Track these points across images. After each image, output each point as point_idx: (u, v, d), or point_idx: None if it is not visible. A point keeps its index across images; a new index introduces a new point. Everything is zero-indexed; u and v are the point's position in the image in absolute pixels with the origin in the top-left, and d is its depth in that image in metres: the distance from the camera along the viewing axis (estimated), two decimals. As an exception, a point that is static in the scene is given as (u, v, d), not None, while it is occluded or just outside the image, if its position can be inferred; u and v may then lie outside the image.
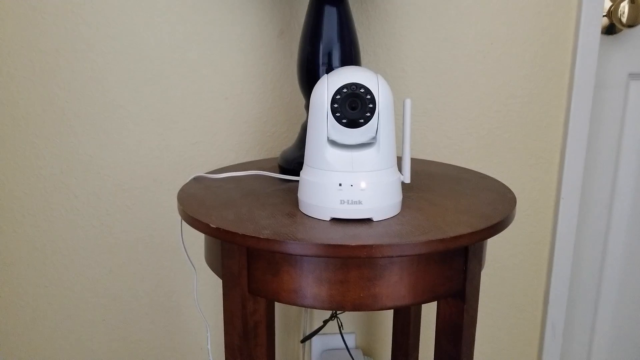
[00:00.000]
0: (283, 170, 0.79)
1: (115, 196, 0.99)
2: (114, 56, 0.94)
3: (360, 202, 0.59)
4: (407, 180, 0.64)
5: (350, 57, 0.77)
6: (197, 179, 0.77)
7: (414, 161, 0.91)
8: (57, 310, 1.03)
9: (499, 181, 0.78)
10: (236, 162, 1.01)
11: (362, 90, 0.58)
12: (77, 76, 0.94)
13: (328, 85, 0.59)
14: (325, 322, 1.03)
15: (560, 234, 1.13)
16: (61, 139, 0.96)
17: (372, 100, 0.59)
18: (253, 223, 0.59)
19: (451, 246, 0.56)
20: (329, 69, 0.76)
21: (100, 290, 1.03)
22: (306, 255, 0.57)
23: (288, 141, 1.02)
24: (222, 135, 1.00)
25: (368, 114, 0.59)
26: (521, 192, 1.11)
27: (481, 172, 1.08)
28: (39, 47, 0.91)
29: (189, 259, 0.77)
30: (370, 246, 0.53)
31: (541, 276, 1.16)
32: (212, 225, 0.58)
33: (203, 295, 1.06)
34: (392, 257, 0.57)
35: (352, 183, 0.59)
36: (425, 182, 0.77)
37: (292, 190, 0.72)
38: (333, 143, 0.61)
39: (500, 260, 1.14)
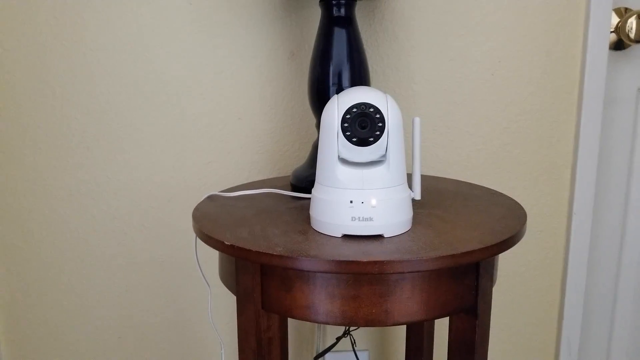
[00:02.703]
0: (295, 188, 0.80)
1: (131, 216, 1.01)
2: (130, 79, 0.96)
3: (371, 219, 0.60)
4: (418, 197, 0.65)
5: (360, 77, 0.78)
6: (211, 198, 0.79)
7: (424, 178, 0.92)
8: (74, 328, 1.05)
9: (510, 197, 0.78)
10: (249, 181, 1.02)
11: (371, 110, 0.60)
12: (94, 99, 0.97)
13: (338, 105, 0.61)
14: (338, 339, 1.03)
15: (574, 249, 1.12)
16: (79, 161, 0.98)
17: (382, 119, 0.60)
18: (266, 240, 0.60)
19: (462, 262, 0.56)
20: (339, 89, 0.77)
21: (116, 308, 1.05)
22: (319, 272, 0.57)
23: (299, 160, 1.03)
24: (235, 155, 1.01)
25: (377, 133, 0.60)
26: (532, 209, 1.11)
27: (491, 188, 1.08)
28: (58, 72, 0.95)
29: (204, 276, 0.79)
30: (382, 262, 0.54)
31: (555, 292, 1.15)
32: (226, 243, 0.59)
33: (216, 312, 1.07)
34: (403, 272, 0.57)
35: (363, 200, 0.60)
36: (436, 198, 0.78)
37: (304, 207, 0.73)
38: (344, 161, 0.62)
39: (514, 277, 1.13)
